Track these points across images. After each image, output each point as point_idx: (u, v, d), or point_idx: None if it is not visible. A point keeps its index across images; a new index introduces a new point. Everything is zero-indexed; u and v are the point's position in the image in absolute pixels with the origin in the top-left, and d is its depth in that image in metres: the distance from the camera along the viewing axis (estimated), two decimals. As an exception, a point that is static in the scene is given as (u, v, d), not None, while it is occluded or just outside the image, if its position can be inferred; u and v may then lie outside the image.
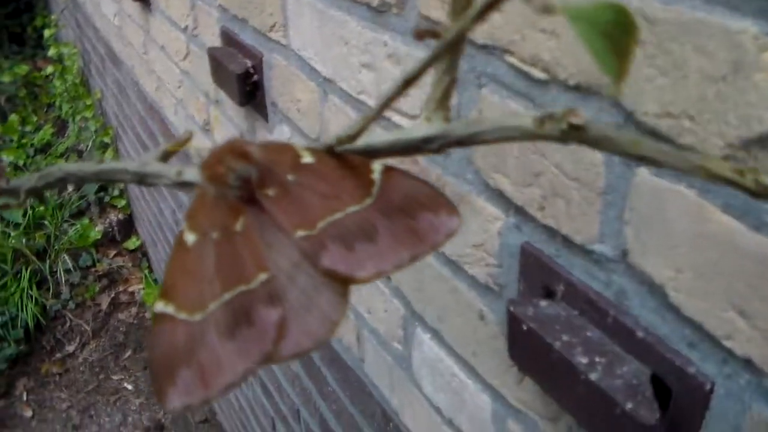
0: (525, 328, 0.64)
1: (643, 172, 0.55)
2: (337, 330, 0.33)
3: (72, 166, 0.41)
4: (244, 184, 0.34)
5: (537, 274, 0.68)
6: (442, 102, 0.32)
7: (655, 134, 0.52)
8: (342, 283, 0.33)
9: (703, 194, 0.51)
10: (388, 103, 0.33)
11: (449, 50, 0.30)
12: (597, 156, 0.58)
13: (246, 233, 0.34)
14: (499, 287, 0.75)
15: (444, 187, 0.79)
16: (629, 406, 0.56)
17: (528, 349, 0.66)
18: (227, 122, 1.54)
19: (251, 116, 1.36)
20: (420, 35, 0.31)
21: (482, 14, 0.27)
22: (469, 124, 0.30)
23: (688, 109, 0.50)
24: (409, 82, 0.32)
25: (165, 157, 0.40)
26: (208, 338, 0.32)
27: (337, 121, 1.00)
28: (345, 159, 0.35)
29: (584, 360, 0.60)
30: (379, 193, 0.34)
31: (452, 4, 0.29)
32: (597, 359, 0.60)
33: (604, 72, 0.23)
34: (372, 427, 1.25)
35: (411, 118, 0.81)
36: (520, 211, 0.69)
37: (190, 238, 0.35)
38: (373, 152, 0.34)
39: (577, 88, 0.58)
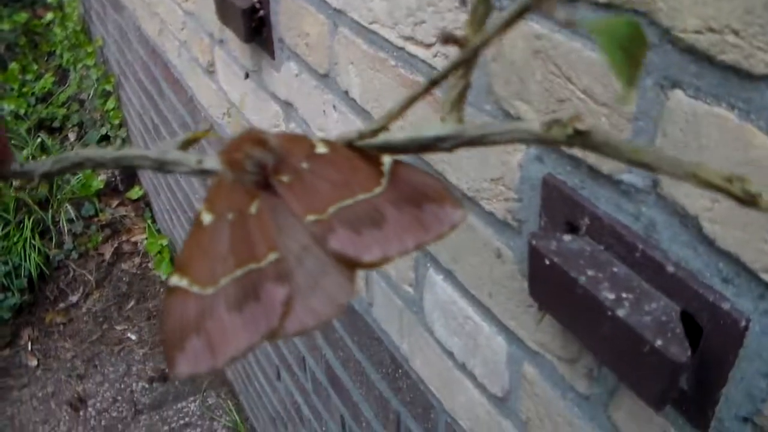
0: (547, 262, 0.62)
1: (678, 95, 0.51)
2: (342, 312, 0.35)
3: (90, 152, 0.42)
4: (260, 170, 0.37)
5: (560, 208, 0.65)
6: (456, 104, 0.35)
7: (693, 52, 0.49)
8: (349, 266, 0.35)
9: (745, 116, 0.48)
10: (407, 105, 0.35)
11: (467, 61, 0.32)
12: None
13: (259, 216, 0.36)
14: (519, 223, 0.72)
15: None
16: (659, 342, 0.54)
17: (550, 286, 0.63)
18: (232, 63, 1.50)
19: (257, 54, 1.32)
20: (445, 40, 0.33)
21: (499, 32, 0.30)
22: (481, 127, 0.33)
23: (732, 23, 0.46)
24: (432, 85, 0.34)
25: (185, 145, 0.42)
26: (218, 311, 0.35)
27: (347, 55, 0.96)
28: (357, 151, 0.37)
29: (611, 296, 0.58)
30: (388, 184, 0.36)
31: (471, 15, 0.31)
32: (624, 295, 0.58)
33: (620, 80, 0.25)
34: (380, 374, 1.23)
35: (425, 47, 0.78)
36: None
37: (206, 218, 0.37)
38: (391, 148, 0.37)
39: (608, 6, 0.55)
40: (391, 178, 0.36)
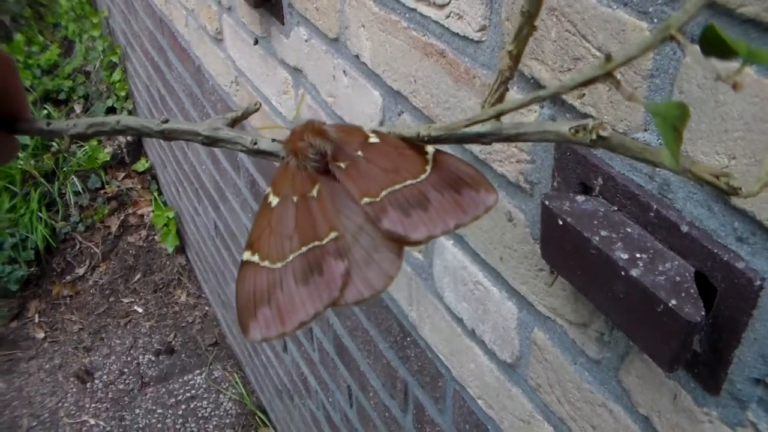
0: (560, 222, 0.61)
1: (696, 51, 0.51)
2: (391, 283, 0.39)
3: (133, 121, 0.44)
4: (320, 158, 0.41)
5: (573, 168, 0.64)
6: (499, 99, 0.38)
7: (712, 6, 0.48)
8: (397, 243, 0.39)
9: (764, 71, 0.47)
10: (470, 123, 0.38)
11: (511, 69, 0.37)
12: (645, 34, 0.54)
13: (320, 198, 0.41)
14: (531, 185, 0.71)
15: (474, 79, 0.75)
16: (673, 302, 0.53)
17: (563, 247, 0.63)
18: (240, 30, 1.48)
19: (266, 20, 1.30)
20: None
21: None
22: (517, 125, 0.37)
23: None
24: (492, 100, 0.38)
25: (233, 123, 0.45)
26: (286, 283, 0.39)
27: (358, 18, 0.95)
28: (404, 141, 0.41)
29: (624, 256, 0.57)
30: (432, 171, 0.40)
31: (515, 33, 0.35)
32: (638, 255, 0.57)
33: (669, 152, 0.29)
34: (388, 343, 1.23)
35: (438, 8, 0.77)
36: (556, 100, 0.65)
37: (273, 200, 0.41)
38: (434, 141, 0.40)
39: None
40: (434, 166, 0.40)
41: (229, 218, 2.16)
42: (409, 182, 0.40)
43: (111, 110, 3.82)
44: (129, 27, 2.98)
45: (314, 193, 0.41)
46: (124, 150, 3.88)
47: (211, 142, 0.43)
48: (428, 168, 0.41)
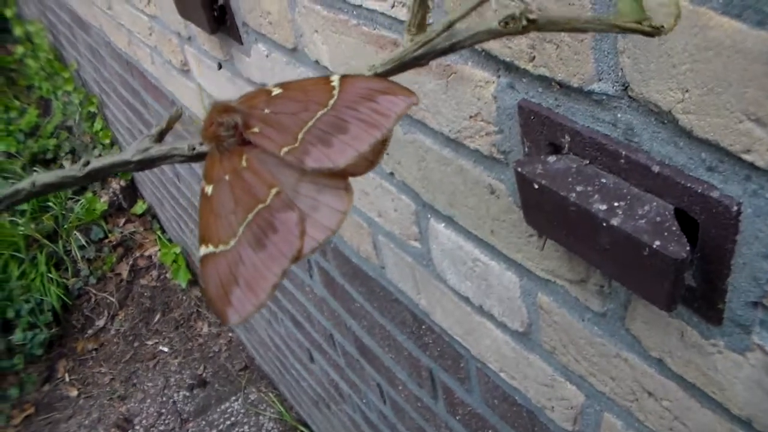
0: (536, 186, 0.62)
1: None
2: (345, 218, 0.38)
3: (51, 176, 0.43)
4: (234, 131, 0.41)
5: (540, 131, 0.65)
6: (421, 24, 0.39)
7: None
8: (338, 177, 0.39)
9: (698, 1, 0.47)
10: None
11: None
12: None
13: (251, 166, 0.40)
14: (504, 155, 0.72)
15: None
16: (657, 243, 0.54)
17: (543, 209, 0.63)
18: (204, 57, 1.49)
19: (226, 43, 1.31)
20: None
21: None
22: (448, 37, 0.37)
23: None
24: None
25: (161, 137, 0.44)
26: (245, 256, 0.38)
27: (310, 24, 0.96)
28: (309, 80, 0.41)
29: (603, 207, 0.58)
30: (340, 93, 0.39)
31: None
32: (616, 204, 0.58)
33: (634, 3, 0.31)
34: (405, 334, 1.24)
35: (382, -1, 0.77)
36: (510, 67, 0.65)
37: (209, 189, 0.41)
38: (388, 74, 0.40)
39: None
40: (342, 88, 0.40)
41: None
42: (320, 113, 0.39)
43: (99, 159, 3.83)
44: (99, 75, 2.99)
45: (243, 163, 0.40)
46: (120, 196, 3.90)
47: (144, 164, 0.43)
48: (335, 93, 0.40)
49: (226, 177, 0.41)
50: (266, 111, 0.41)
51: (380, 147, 0.40)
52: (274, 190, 0.39)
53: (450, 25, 0.38)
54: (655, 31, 0.31)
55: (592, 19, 0.33)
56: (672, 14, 0.31)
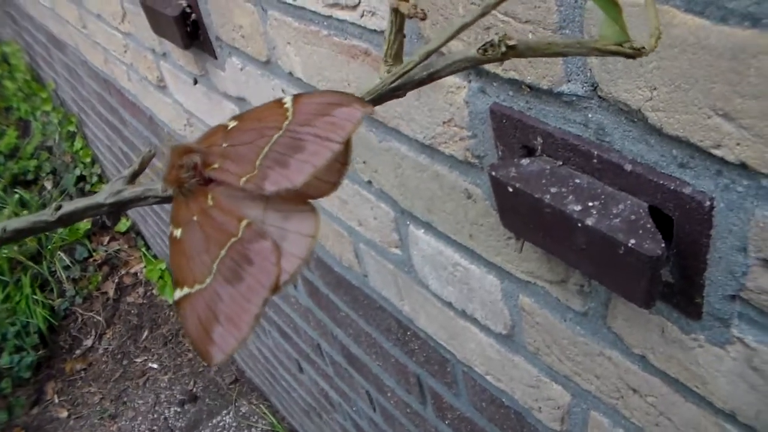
0: (511, 189, 0.62)
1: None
2: (315, 240, 0.38)
3: (22, 221, 0.42)
4: (195, 172, 0.41)
5: (512, 134, 0.65)
6: (398, 54, 0.39)
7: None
8: (300, 200, 0.39)
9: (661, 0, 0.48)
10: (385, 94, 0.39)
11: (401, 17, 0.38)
12: (545, -10, 0.55)
13: (217, 204, 0.40)
14: (479, 159, 0.72)
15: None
16: (632, 241, 0.54)
17: (519, 212, 0.64)
18: (179, 73, 1.49)
19: (200, 58, 1.31)
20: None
21: None
22: (426, 66, 0.37)
23: None
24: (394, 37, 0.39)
25: (133, 178, 0.44)
26: (222, 291, 0.37)
27: (282, 36, 0.96)
28: (262, 106, 0.41)
29: (577, 207, 0.58)
30: (294, 113, 0.39)
31: None
32: (590, 204, 0.58)
33: (617, 26, 0.31)
34: (391, 341, 1.24)
35: (351, 9, 0.77)
36: (480, 72, 0.65)
37: (177, 232, 0.41)
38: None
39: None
40: (295, 108, 0.39)
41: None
42: (276, 136, 0.39)
43: (81, 179, 3.82)
44: (78, 94, 2.97)
45: (210, 202, 0.40)
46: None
47: (118, 207, 0.42)
48: (290, 113, 0.39)
49: (195, 218, 0.40)
50: (224, 145, 0.41)
51: (340, 165, 0.40)
52: (244, 223, 0.38)
53: (427, 56, 0.38)
54: (636, 53, 0.32)
55: (572, 42, 0.33)
56: (653, 35, 0.32)
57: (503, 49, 0.34)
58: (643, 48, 0.32)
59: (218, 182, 0.40)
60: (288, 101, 0.40)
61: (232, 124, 0.41)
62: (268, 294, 0.36)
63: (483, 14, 0.34)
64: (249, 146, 0.39)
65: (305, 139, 0.38)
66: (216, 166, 0.40)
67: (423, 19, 0.39)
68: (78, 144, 3.65)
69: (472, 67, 0.37)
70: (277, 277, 0.36)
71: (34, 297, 3.54)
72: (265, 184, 0.37)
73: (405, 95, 0.39)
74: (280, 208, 0.39)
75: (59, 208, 0.42)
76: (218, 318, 0.37)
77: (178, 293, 0.39)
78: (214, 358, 0.37)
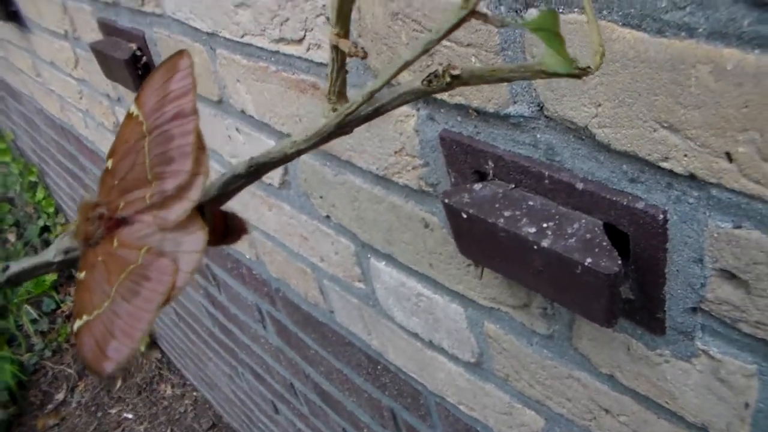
0: (465, 216, 0.61)
1: (532, 12, 0.51)
2: (203, 255, 0.40)
3: None
4: (101, 222, 0.43)
5: (463, 159, 0.64)
6: (341, 92, 0.40)
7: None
8: (194, 221, 0.40)
9: (599, 15, 0.47)
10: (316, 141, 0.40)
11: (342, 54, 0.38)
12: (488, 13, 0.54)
13: (122, 243, 0.41)
14: (433, 187, 0.71)
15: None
16: (588, 260, 0.53)
17: (475, 238, 0.63)
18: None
19: (152, 101, 1.30)
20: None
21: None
22: (372, 102, 0.37)
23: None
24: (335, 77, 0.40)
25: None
26: (119, 309, 0.38)
27: (232, 74, 0.95)
28: (120, 127, 0.44)
29: (532, 229, 0.57)
30: (143, 111, 0.42)
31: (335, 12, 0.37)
32: (545, 225, 0.57)
33: (560, 56, 0.31)
34: (362, 376, 1.22)
35: (296, 43, 0.77)
36: (427, 99, 0.65)
37: (81, 275, 0.42)
38: (301, 152, 0.42)
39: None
40: (141, 107, 0.43)
41: (185, 299, 2.14)
42: (146, 143, 0.41)
43: (45, 229, 3.77)
44: (37, 144, 2.95)
45: (115, 245, 0.41)
46: (69, 264, 3.83)
47: (68, 265, 0.44)
48: (141, 116, 0.42)
49: (100, 259, 0.42)
50: (116, 183, 0.43)
51: (200, 153, 0.41)
52: (143, 250, 0.40)
53: (371, 96, 0.38)
54: (582, 73, 0.31)
55: (517, 68, 0.33)
56: (597, 52, 0.31)
57: (447, 79, 0.34)
58: (589, 67, 0.32)
59: (130, 220, 0.42)
60: (132, 108, 0.42)
61: (109, 162, 0.44)
62: (162, 301, 0.37)
63: (425, 51, 0.34)
64: (134, 169, 0.41)
65: (167, 128, 0.40)
66: (122, 205, 0.42)
67: (363, 57, 0.39)
68: (40, 194, 3.61)
69: (417, 99, 0.37)
70: (171, 287, 0.38)
71: (1, 353, 3.47)
72: (169, 215, 0.40)
73: (352, 131, 0.39)
74: (175, 233, 0.40)
75: (7, 268, 0.43)
76: (114, 334, 0.38)
77: (77, 323, 0.40)
78: (105, 370, 0.38)
